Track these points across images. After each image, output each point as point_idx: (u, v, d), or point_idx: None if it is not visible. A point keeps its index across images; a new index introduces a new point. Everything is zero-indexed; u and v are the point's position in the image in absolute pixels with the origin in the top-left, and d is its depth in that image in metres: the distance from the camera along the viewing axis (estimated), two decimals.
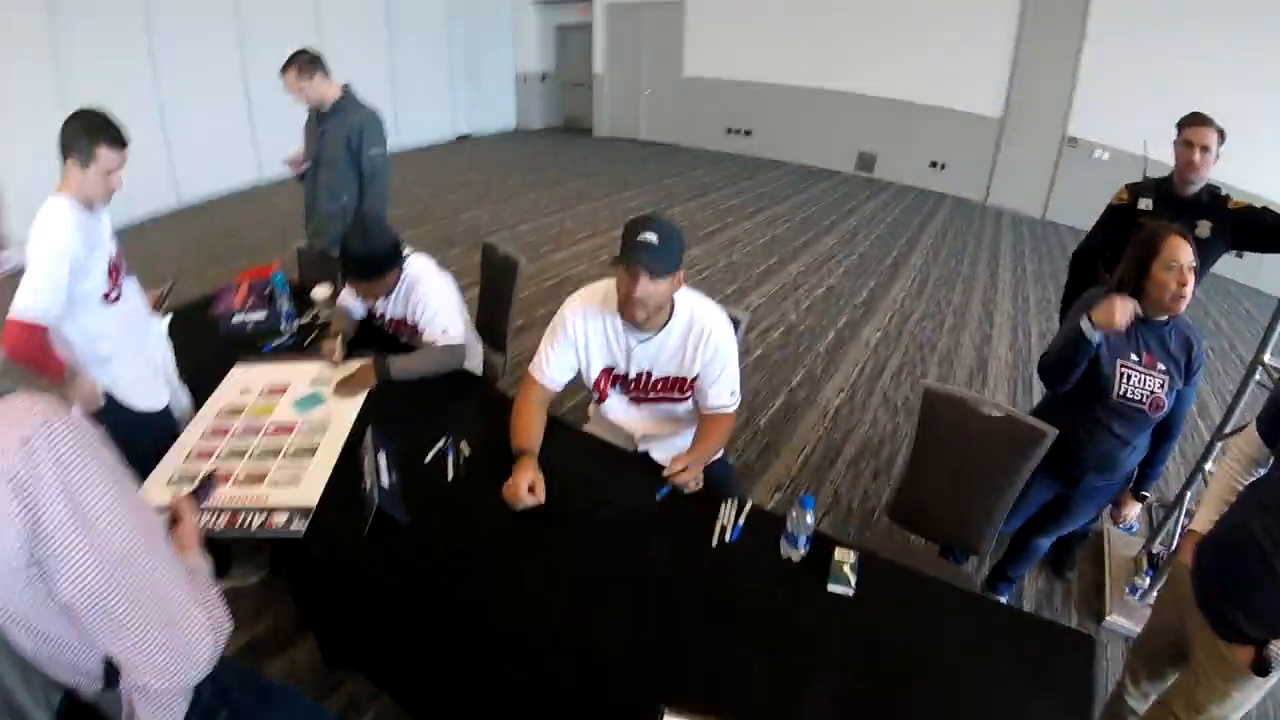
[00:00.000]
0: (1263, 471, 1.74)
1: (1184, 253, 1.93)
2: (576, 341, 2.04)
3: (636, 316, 1.87)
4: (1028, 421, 2.03)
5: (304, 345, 2.56)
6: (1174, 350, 2.06)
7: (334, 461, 1.92)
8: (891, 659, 1.44)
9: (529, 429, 1.98)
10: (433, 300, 2.45)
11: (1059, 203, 8.39)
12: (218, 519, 1.72)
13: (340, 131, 3.22)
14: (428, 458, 1.95)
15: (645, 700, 1.32)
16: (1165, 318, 2.04)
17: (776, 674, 1.41)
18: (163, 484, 1.85)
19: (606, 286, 2.02)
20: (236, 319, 2.64)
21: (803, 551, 1.71)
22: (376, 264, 2.35)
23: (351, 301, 2.62)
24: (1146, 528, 3.23)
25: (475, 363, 2.86)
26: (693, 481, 1.87)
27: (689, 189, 8.54)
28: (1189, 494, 2.86)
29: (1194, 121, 2.56)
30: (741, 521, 1.82)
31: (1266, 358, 2.52)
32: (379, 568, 1.62)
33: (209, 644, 0.99)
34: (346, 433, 2.05)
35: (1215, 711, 1.68)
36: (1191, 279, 1.95)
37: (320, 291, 2.66)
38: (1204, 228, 2.55)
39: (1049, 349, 2.21)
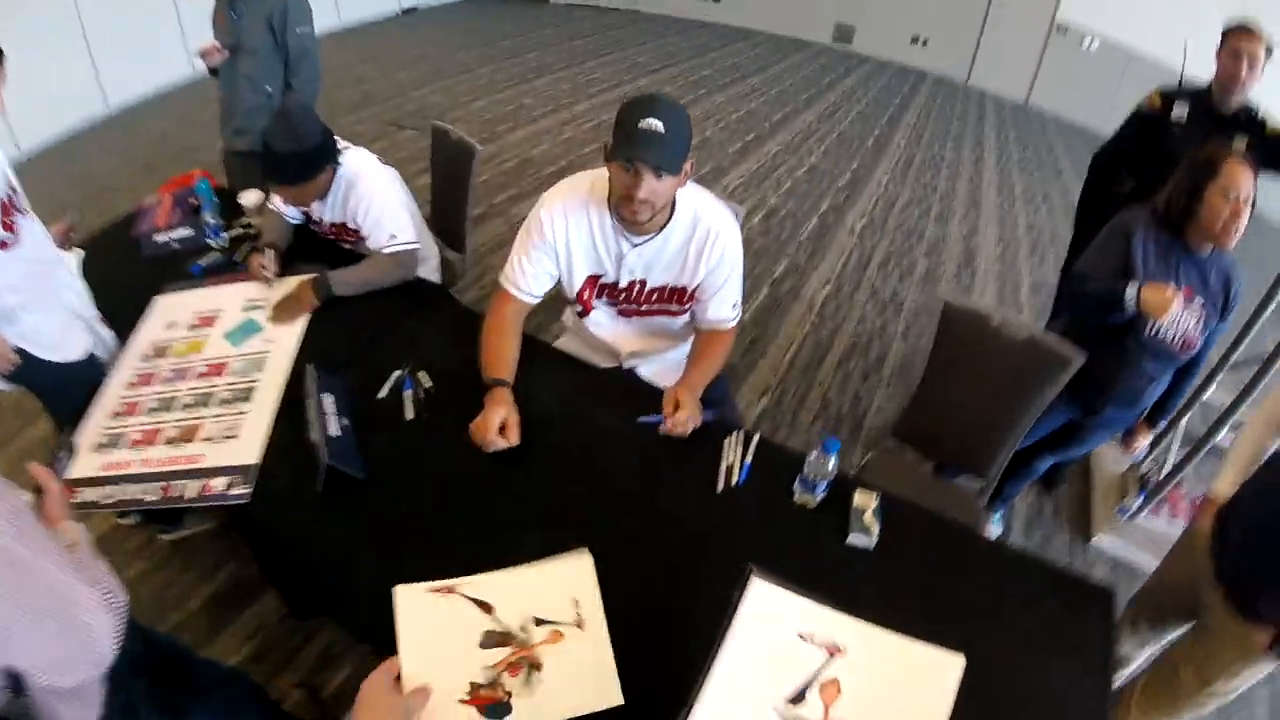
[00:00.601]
0: None
1: (1245, 181, 1.77)
2: (556, 245, 1.71)
3: (639, 218, 1.56)
4: (1053, 344, 1.86)
5: (235, 263, 2.17)
6: (1213, 285, 1.92)
7: (275, 405, 1.62)
8: (912, 619, 1.26)
9: (501, 354, 1.68)
10: (376, 201, 2.08)
11: (1044, 89, 7.97)
12: (149, 491, 1.44)
13: (259, 10, 2.69)
14: (382, 392, 1.66)
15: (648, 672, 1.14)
16: (1209, 249, 1.89)
17: None
18: (91, 451, 1.55)
19: (592, 179, 1.68)
20: (159, 238, 2.22)
21: (819, 497, 1.52)
22: (305, 164, 1.95)
23: (284, 207, 2.23)
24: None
25: (431, 266, 2.52)
26: (690, 423, 1.60)
27: (655, 59, 7.86)
28: (1183, 421, 2.80)
29: (1243, 30, 2.34)
30: (749, 460, 1.60)
31: None
32: (335, 527, 1.38)
33: (107, 623, 0.91)
34: (288, 369, 1.73)
35: (1222, 685, 1.63)
36: (1247, 212, 1.79)
37: (249, 198, 2.23)
38: (1241, 143, 2.38)
39: (1079, 273, 2.00)
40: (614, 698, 1.09)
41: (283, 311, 1.92)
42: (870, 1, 8.75)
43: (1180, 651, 1.76)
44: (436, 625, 1.13)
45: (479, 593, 1.19)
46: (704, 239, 1.67)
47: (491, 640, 1.12)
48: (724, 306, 1.77)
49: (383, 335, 1.85)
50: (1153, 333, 1.92)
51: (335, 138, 2.05)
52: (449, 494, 1.46)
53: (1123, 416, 2.20)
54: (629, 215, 1.55)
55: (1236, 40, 2.34)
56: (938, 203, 5.35)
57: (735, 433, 1.65)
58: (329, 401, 1.49)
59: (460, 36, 7.77)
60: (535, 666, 1.11)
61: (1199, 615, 1.70)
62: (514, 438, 1.53)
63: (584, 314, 1.87)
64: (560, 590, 1.23)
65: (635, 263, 1.71)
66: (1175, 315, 1.84)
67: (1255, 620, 1.52)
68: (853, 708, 1.06)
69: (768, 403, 3.17)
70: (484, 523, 1.41)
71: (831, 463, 1.47)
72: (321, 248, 2.22)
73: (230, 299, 1.99)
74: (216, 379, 1.73)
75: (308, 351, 1.79)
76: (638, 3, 9.79)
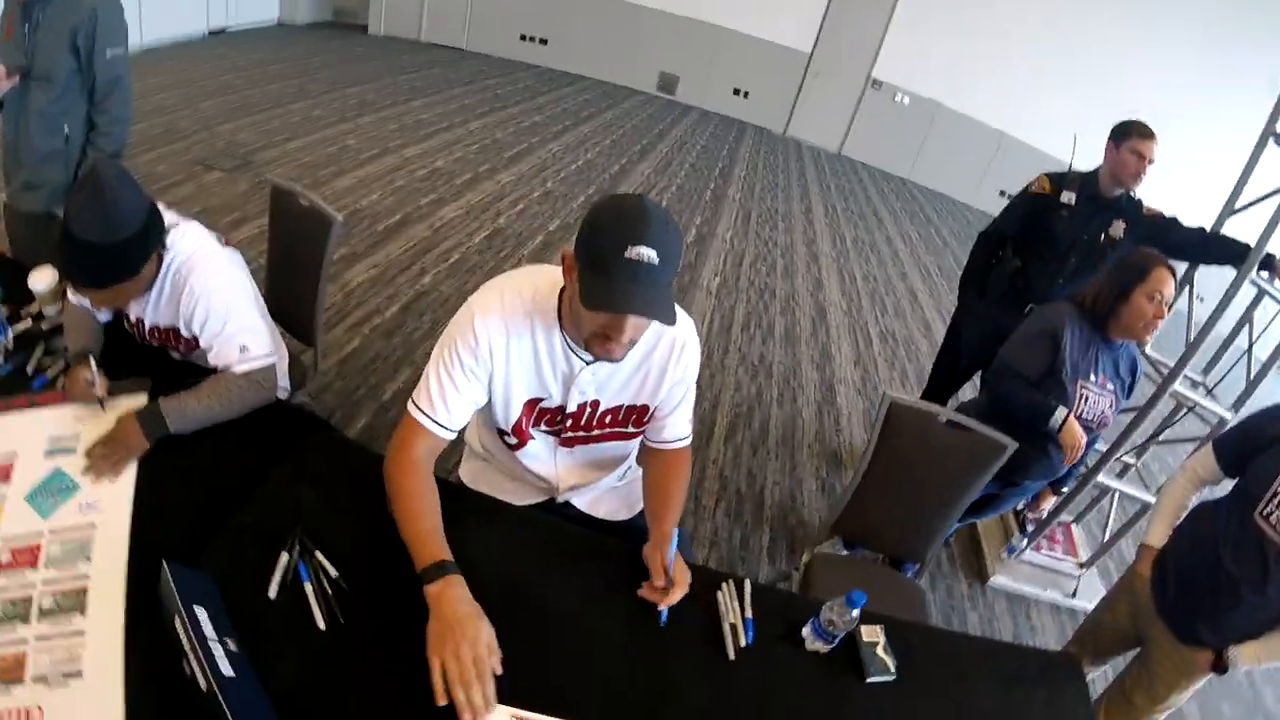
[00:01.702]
0: (1212, 490, 1.86)
1: (1169, 287, 1.96)
2: (493, 369, 1.35)
3: (616, 357, 1.25)
4: (990, 436, 1.90)
5: (30, 375, 1.55)
6: (1123, 371, 2.13)
7: (120, 620, 1.11)
8: None
9: (431, 519, 1.28)
10: (217, 302, 1.55)
11: (856, 140, 8.72)
12: None
13: (61, 25, 2.04)
14: (271, 590, 1.18)
15: None
16: (1121, 341, 2.10)
17: None
18: None
19: (534, 284, 1.34)
20: None
21: (833, 645, 1.35)
22: (121, 260, 1.42)
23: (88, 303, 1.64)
24: None
25: (280, 370, 1.91)
26: (684, 586, 1.35)
27: (482, 101, 7.52)
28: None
29: (1145, 134, 2.53)
30: (749, 614, 1.37)
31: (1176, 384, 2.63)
32: None
33: None
34: (123, 555, 1.21)
35: (1173, 698, 1.85)
36: (1166, 314, 1.98)
37: (41, 279, 1.59)
38: (1118, 228, 2.62)
39: (1012, 370, 2.14)
40: None
41: (104, 460, 1.37)
42: (695, 53, 9.08)
43: (1130, 680, 1.94)
44: None
45: None
46: (668, 351, 1.40)
47: None
48: (683, 422, 1.54)
49: (243, 492, 1.35)
50: (1077, 415, 2.06)
51: (160, 212, 1.51)
52: None
53: (1037, 485, 2.36)
54: (603, 354, 1.24)
55: (1140, 143, 2.51)
56: (780, 258, 5.52)
57: (725, 583, 1.41)
58: (204, 619, 1.03)
59: (273, 65, 6.92)
60: None
61: (1143, 645, 1.91)
62: (497, 665, 1.11)
63: (518, 446, 1.52)
64: None
65: (588, 382, 1.39)
66: (1080, 450, 2.05)
67: (1196, 645, 1.74)
68: None
69: None
70: None
71: (855, 614, 1.30)
72: (137, 348, 1.69)
73: (25, 438, 1.39)
74: (30, 573, 1.17)
75: (144, 523, 1.28)
76: (463, 40, 9.41)
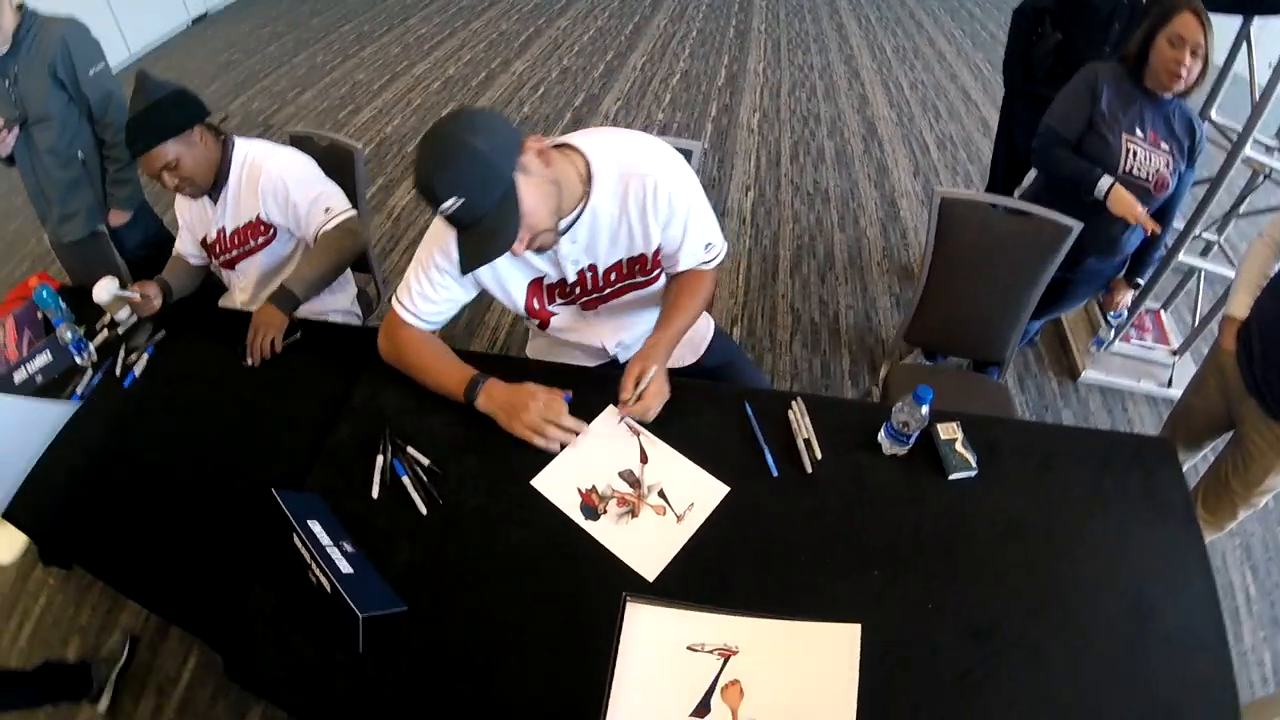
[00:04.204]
0: None
1: (1192, 30, 1.81)
2: None
3: (517, 252, 1.22)
4: (1050, 218, 1.82)
5: (120, 375, 1.68)
6: (1178, 130, 1.96)
7: None
8: (1035, 531, 1.25)
9: (439, 358, 1.45)
10: (291, 176, 1.79)
11: None
12: None
13: (38, 66, 2.10)
14: (374, 489, 1.31)
15: None
16: (1170, 96, 1.93)
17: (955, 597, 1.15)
18: None
19: None
20: (20, 376, 1.71)
21: (910, 445, 1.36)
22: (166, 116, 1.67)
23: (186, 245, 1.97)
24: None
25: (348, 297, 2.14)
26: (656, 405, 1.36)
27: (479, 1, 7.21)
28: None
29: None
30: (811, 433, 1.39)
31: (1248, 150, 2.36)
32: (399, 689, 1.06)
33: None
34: None
35: (1271, 480, 1.76)
36: (1193, 63, 1.84)
37: (104, 290, 1.71)
38: None
39: (1048, 127, 2.02)
40: None
41: (258, 341, 1.62)
42: None
43: (1226, 465, 1.86)
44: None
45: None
46: (641, 194, 1.33)
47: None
48: (696, 251, 1.47)
49: (330, 417, 1.46)
50: (1126, 171, 1.94)
51: (196, 96, 1.77)
52: (521, 580, 1.17)
53: (1103, 268, 2.21)
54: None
55: None
56: (819, 80, 5.18)
57: (795, 401, 1.43)
58: (318, 529, 1.16)
59: (264, 30, 6.82)
60: None
61: (1236, 426, 1.81)
62: (558, 400, 1.35)
63: (544, 325, 1.56)
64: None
65: (571, 251, 1.38)
66: (1139, 216, 1.87)
67: None
68: (760, 703, 1.02)
69: (741, 332, 2.97)
70: (580, 596, 1.15)
71: (924, 410, 1.30)
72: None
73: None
74: None
75: (253, 461, 1.43)
76: None
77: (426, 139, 1.12)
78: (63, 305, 1.75)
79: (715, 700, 1.01)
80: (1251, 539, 2.28)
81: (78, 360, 1.70)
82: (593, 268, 1.43)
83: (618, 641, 1.06)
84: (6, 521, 1.45)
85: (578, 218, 1.32)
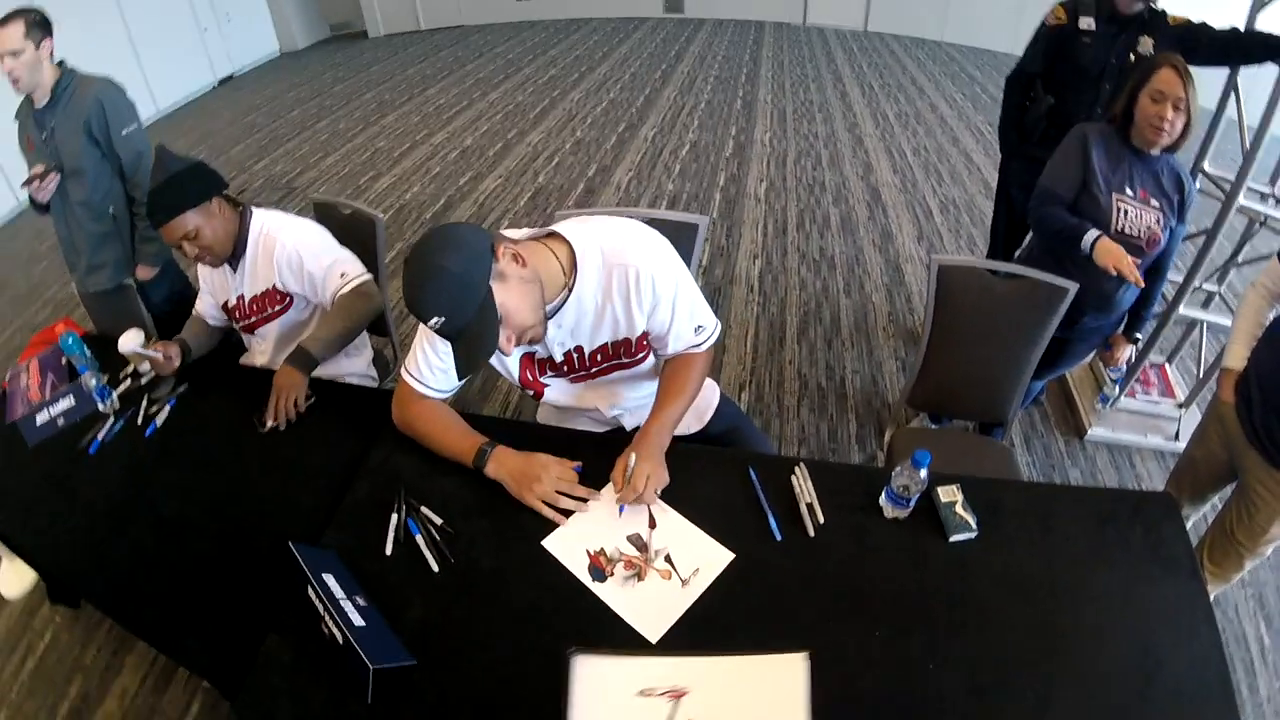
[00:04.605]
0: None
1: (1172, 85, 1.87)
2: None
3: (506, 353, 1.33)
4: (1046, 280, 1.87)
5: (141, 424, 1.75)
6: (1167, 187, 1.99)
7: None
8: (1038, 589, 1.27)
9: (451, 426, 1.50)
10: (305, 245, 1.85)
11: (880, 12, 8.20)
12: None
13: (74, 122, 2.24)
14: (388, 547, 1.35)
15: None
16: (1157, 153, 1.97)
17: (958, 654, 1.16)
18: None
19: None
20: (41, 418, 1.78)
21: (910, 509, 1.38)
22: (182, 189, 1.75)
23: (206, 307, 2.05)
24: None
25: (364, 361, 2.20)
26: (656, 484, 1.38)
27: (495, 70, 7.53)
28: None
29: None
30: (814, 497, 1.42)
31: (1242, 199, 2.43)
32: None
33: None
34: None
35: (1275, 531, 1.76)
36: (1175, 116, 1.88)
37: (130, 341, 1.79)
38: (1146, 44, 2.44)
39: (1043, 187, 2.07)
40: None
41: (279, 404, 1.68)
42: None
43: (1231, 516, 1.86)
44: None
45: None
46: (625, 283, 1.36)
47: None
48: (685, 335, 1.48)
49: (347, 476, 1.51)
50: (1118, 229, 1.98)
51: (211, 168, 1.85)
52: (528, 638, 1.19)
53: (1100, 325, 2.24)
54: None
55: None
56: (824, 149, 5.35)
57: (799, 467, 1.46)
58: (332, 583, 1.19)
59: (289, 94, 7.16)
60: None
61: (1239, 477, 1.81)
62: (569, 471, 1.41)
63: (538, 396, 1.61)
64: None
65: (557, 335, 1.44)
66: (1124, 267, 1.87)
67: None
68: None
69: (749, 397, 3.01)
70: (588, 640, 1.16)
71: (923, 474, 1.32)
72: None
73: None
74: None
75: (271, 515, 1.47)
76: (460, 17, 9.39)
77: (407, 263, 1.21)
78: (88, 353, 1.83)
79: None
80: (1265, 588, 2.26)
81: (100, 407, 1.76)
82: (579, 349, 1.49)
83: (567, 697, 1.07)
84: (17, 556, 1.49)
85: (562, 304, 1.37)
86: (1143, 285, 1.92)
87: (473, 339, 1.21)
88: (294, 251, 1.84)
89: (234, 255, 1.89)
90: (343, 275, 1.86)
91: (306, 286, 1.89)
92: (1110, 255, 1.85)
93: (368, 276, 1.90)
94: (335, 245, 1.93)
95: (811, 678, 1.09)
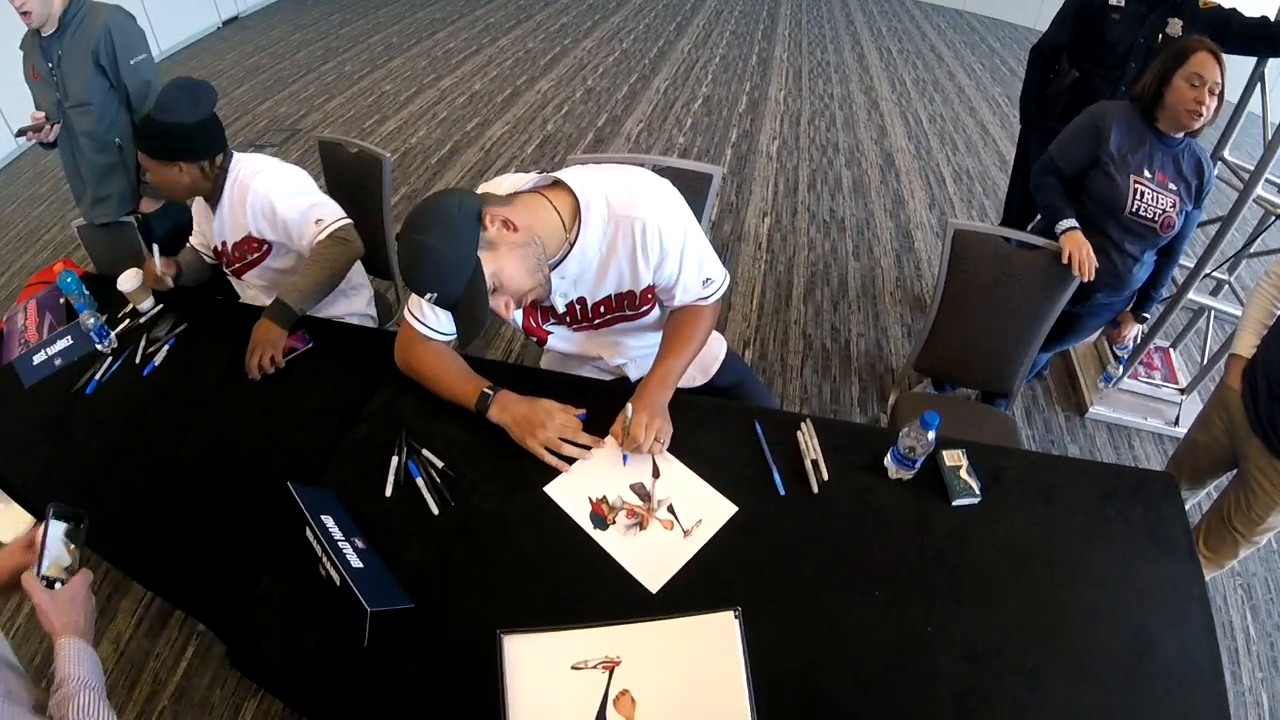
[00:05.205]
0: None
1: (1210, 69, 1.85)
2: None
3: (507, 315, 1.29)
4: (1059, 249, 1.85)
5: (139, 364, 1.72)
6: (1186, 171, 1.98)
7: None
8: (1037, 559, 1.27)
9: (453, 369, 1.48)
10: (278, 189, 1.78)
11: None
12: None
13: (81, 50, 2.16)
14: (388, 489, 1.34)
15: None
16: (1180, 135, 1.96)
17: (956, 620, 1.16)
18: None
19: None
20: (38, 359, 1.74)
21: (916, 470, 1.37)
22: (203, 137, 1.74)
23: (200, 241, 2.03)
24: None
25: (364, 300, 2.17)
26: (664, 435, 1.37)
27: (506, 16, 7.32)
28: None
29: None
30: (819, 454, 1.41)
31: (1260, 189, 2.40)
32: (402, 684, 1.09)
33: None
34: None
35: (1272, 519, 1.78)
36: (1211, 100, 1.86)
37: (129, 280, 1.78)
38: (1175, 26, 2.41)
39: (1048, 158, 2.09)
40: None
41: (257, 358, 1.62)
42: None
43: (1228, 502, 1.87)
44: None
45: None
46: (631, 236, 1.32)
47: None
48: (693, 287, 1.45)
49: (348, 417, 1.50)
50: (1133, 211, 1.97)
51: (220, 123, 1.82)
52: (527, 584, 1.19)
53: (1111, 302, 2.23)
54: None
55: None
56: (839, 110, 5.24)
57: (805, 423, 1.45)
58: (330, 524, 1.18)
59: (294, 35, 6.96)
60: None
61: (1239, 464, 1.83)
62: (573, 418, 1.40)
63: (541, 343, 1.59)
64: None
65: (561, 285, 1.40)
66: (1080, 259, 1.84)
67: None
68: (654, 707, 1.04)
69: (752, 355, 2.99)
70: (587, 588, 1.18)
71: (931, 436, 1.31)
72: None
73: None
74: None
75: (271, 455, 1.46)
76: None
77: (399, 243, 1.20)
78: (86, 291, 1.78)
79: (610, 714, 1.03)
80: (1253, 579, 2.27)
81: (99, 346, 1.74)
82: (581, 300, 1.45)
83: (502, 678, 1.06)
84: (12, 500, 1.49)
85: (565, 256, 1.33)
86: (1090, 280, 1.87)
87: (467, 308, 1.20)
88: (265, 198, 1.77)
89: (213, 200, 1.85)
90: (319, 222, 1.78)
91: (282, 234, 1.82)
92: (1072, 244, 1.85)
93: (346, 221, 1.82)
94: (312, 189, 1.86)
95: (744, 635, 1.10)
